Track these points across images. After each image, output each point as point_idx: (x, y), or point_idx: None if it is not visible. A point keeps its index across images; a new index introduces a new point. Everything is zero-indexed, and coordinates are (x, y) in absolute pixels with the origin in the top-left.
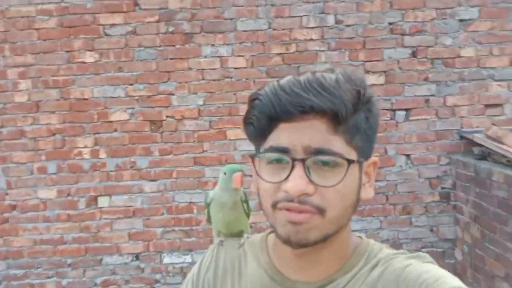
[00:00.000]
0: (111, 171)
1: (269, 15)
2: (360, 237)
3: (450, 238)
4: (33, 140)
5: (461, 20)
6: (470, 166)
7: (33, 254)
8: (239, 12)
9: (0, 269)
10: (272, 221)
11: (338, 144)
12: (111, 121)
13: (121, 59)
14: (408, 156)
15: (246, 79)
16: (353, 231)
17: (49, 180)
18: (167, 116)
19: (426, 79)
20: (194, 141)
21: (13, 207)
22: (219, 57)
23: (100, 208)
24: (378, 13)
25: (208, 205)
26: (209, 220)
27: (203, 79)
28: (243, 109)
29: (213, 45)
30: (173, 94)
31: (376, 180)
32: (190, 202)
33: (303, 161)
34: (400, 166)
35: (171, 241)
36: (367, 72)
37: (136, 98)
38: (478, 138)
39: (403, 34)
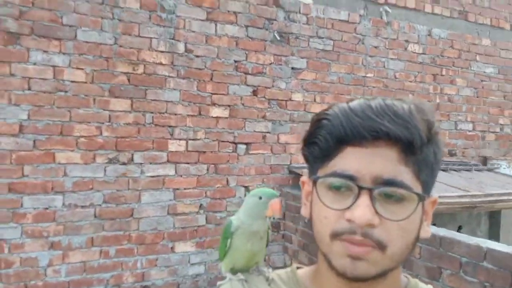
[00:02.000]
0: None
1: (116, 30)
2: (406, 276)
3: (279, 266)
4: None
5: (293, 68)
6: (298, 198)
7: None
8: (81, 20)
9: None
10: (326, 251)
11: (407, 176)
12: None
13: None
14: (246, 187)
15: (85, 95)
16: (193, 264)
17: None
18: None
19: (264, 117)
20: (11, 163)
21: None
22: (52, 66)
23: None
24: (225, 49)
25: (231, 235)
26: (224, 253)
27: (29, 89)
28: (78, 129)
29: (45, 51)
30: None
31: (218, 211)
32: (0, 239)
33: (370, 190)
34: (240, 197)
35: None
36: (214, 104)
37: None
38: (306, 173)
39: (246, 73)
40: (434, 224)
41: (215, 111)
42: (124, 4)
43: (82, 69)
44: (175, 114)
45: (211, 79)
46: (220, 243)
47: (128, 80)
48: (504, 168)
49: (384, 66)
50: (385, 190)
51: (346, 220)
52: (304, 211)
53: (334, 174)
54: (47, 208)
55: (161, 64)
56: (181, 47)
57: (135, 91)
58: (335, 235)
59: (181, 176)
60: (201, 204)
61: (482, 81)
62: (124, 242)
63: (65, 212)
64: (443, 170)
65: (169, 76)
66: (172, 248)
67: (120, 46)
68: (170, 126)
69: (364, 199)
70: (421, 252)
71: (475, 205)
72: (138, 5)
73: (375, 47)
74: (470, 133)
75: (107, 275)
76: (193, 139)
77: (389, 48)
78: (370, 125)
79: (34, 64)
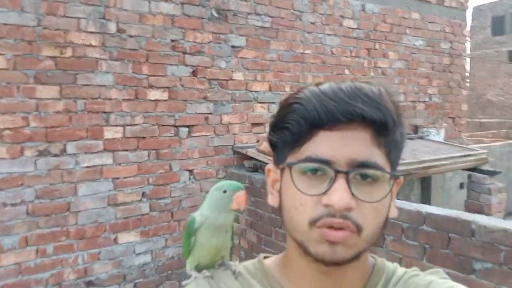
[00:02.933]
0: None
1: (38, 10)
2: (373, 256)
3: None
4: None
5: (232, 47)
6: (245, 178)
7: None
8: None
9: None
10: (303, 238)
11: (380, 158)
12: None
13: None
14: (191, 171)
15: (8, 83)
16: (139, 253)
17: None
18: None
19: (205, 98)
20: None
21: None
22: None
23: None
24: (160, 28)
25: (194, 231)
26: (187, 251)
27: None
28: (2, 120)
29: None
30: None
31: (162, 198)
32: None
33: (346, 173)
34: (184, 181)
35: None
36: (151, 87)
37: None
38: (251, 152)
39: (184, 53)
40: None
41: (153, 94)
42: None
43: (2, 54)
44: (110, 99)
45: (147, 60)
46: (183, 241)
47: (56, 64)
48: (434, 135)
49: (321, 42)
50: (360, 172)
51: (324, 206)
52: (272, 200)
53: (309, 159)
54: None
55: (91, 46)
56: (112, 27)
57: (64, 76)
58: (313, 222)
59: (120, 164)
60: (143, 192)
61: (412, 53)
62: (62, 238)
63: None
64: None
65: (100, 59)
66: (115, 239)
67: (45, 28)
68: (104, 112)
69: (341, 182)
70: None
71: (410, 172)
72: None
73: (312, 23)
74: (402, 104)
75: (45, 275)
76: (130, 125)
77: (325, 24)
78: (345, 108)
79: None
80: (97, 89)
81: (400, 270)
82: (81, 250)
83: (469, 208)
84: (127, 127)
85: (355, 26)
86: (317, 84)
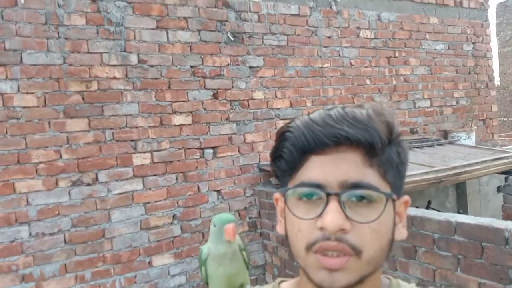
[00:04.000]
0: None
1: (63, 49)
2: (388, 277)
3: (260, 264)
4: None
5: (250, 67)
6: (271, 195)
7: None
8: (25, 43)
9: None
10: (303, 264)
11: (373, 177)
12: None
13: None
14: (219, 191)
15: (39, 119)
16: (174, 275)
17: None
18: None
19: (228, 119)
20: None
21: None
22: (0, 94)
23: None
24: (179, 55)
25: (204, 262)
26: (206, 281)
27: None
28: (36, 155)
29: None
30: None
31: (192, 219)
32: None
33: (338, 195)
34: (213, 202)
35: None
36: (175, 112)
37: None
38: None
39: (204, 77)
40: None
41: (177, 119)
42: (69, 21)
43: (32, 93)
44: (136, 127)
45: (169, 87)
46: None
47: (83, 98)
48: (464, 139)
49: (339, 55)
50: (352, 193)
51: (319, 229)
52: (280, 228)
53: (302, 184)
54: (13, 241)
55: (115, 78)
56: (134, 59)
57: (91, 109)
58: (309, 247)
59: (150, 189)
60: (174, 215)
61: (434, 58)
62: (99, 264)
63: (33, 242)
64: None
65: (125, 90)
66: (149, 262)
67: (70, 65)
68: (132, 140)
69: (333, 205)
70: None
71: (441, 179)
72: (84, 21)
73: (328, 37)
74: (428, 109)
75: None
76: (157, 150)
77: (342, 37)
78: (330, 131)
79: None
80: (124, 118)
81: None
82: (117, 275)
83: (506, 213)
84: (155, 153)
85: (372, 36)
86: (309, 113)
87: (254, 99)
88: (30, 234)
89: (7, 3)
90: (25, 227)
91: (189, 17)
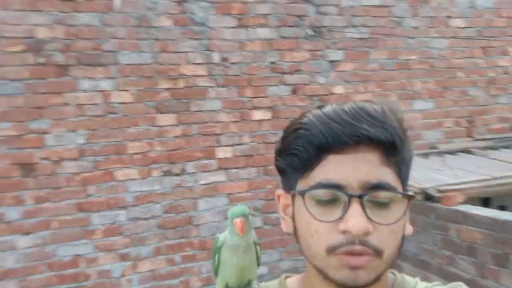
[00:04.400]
0: None
1: (154, 49)
2: (393, 273)
3: None
4: None
5: (330, 61)
6: None
7: None
8: (121, 45)
9: None
10: (321, 265)
11: (391, 177)
12: None
13: None
14: None
15: (134, 114)
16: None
17: None
18: (41, 158)
19: None
20: (76, 185)
21: None
22: (100, 91)
23: None
24: (259, 52)
25: (218, 249)
26: (216, 269)
27: (83, 115)
28: (131, 147)
29: (92, 78)
30: (47, 133)
31: (273, 212)
32: (76, 255)
33: (360, 197)
34: None
35: None
36: (255, 108)
37: (2, 138)
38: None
39: (283, 73)
40: (502, 207)
41: (257, 114)
42: (158, 23)
43: (127, 90)
44: (219, 122)
45: (250, 83)
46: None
47: (171, 95)
48: None
49: (427, 46)
50: (374, 194)
51: (341, 232)
52: (286, 226)
53: (321, 185)
54: (113, 223)
55: (199, 76)
56: (216, 57)
57: (179, 105)
58: (332, 250)
59: (233, 181)
60: (255, 207)
61: None
62: (187, 248)
63: (130, 225)
64: (506, 147)
65: (209, 86)
66: None
67: (160, 64)
68: (216, 134)
69: (356, 207)
70: (484, 238)
71: None
72: (171, 23)
73: (415, 28)
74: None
75: (175, 281)
76: (239, 144)
77: (430, 27)
78: (351, 130)
79: (84, 91)
80: (208, 114)
81: (421, 284)
82: (204, 260)
83: None
84: (236, 147)
85: (465, 25)
86: (319, 107)
87: (334, 93)
88: (127, 218)
89: (105, 9)
90: (123, 211)
91: (268, 14)
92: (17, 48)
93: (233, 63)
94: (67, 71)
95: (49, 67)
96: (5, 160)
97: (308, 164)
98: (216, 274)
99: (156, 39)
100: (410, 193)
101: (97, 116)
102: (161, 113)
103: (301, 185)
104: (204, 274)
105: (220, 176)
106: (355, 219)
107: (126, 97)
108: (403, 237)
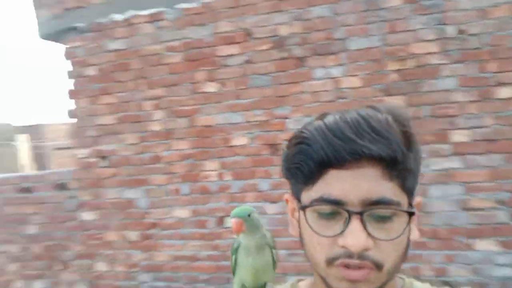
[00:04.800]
0: (236, 193)
1: (382, 31)
2: (401, 277)
3: None
4: (168, 164)
5: None
6: None
7: (173, 269)
8: (350, 31)
9: (147, 280)
10: (324, 275)
11: (393, 191)
12: (233, 146)
13: (239, 87)
14: None
15: (362, 98)
16: (499, 265)
17: (183, 200)
18: (283, 140)
19: None
20: None
21: (154, 225)
22: (331, 78)
23: (227, 228)
24: (506, 19)
25: (235, 250)
26: (233, 270)
27: (316, 101)
28: None
29: (324, 67)
30: (288, 118)
31: None
32: None
33: (360, 214)
34: None
35: (296, 264)
36: (500, 84)
37: (254, 123)
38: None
39: None
40: None
41: (503, 92)
42: (386, 4)
43: (356, 75)
44: (454, 103)
45: (493, 56)
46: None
47: (400, 76)
48: None
49: None
50: (375, 211)
51: (340, 247)
52: (293, 231)
53: (321, 200)
54: None
55: (431, 53)
56: (451, 30)
57: (408, 86)
58: (331, 262)
59: (471, 168)
60: (499, 199)
61: None
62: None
63: None
64: None
65: (442, 64)
66: (470, 245)
67: (388, 45)
68: (450, 116)
69: (355, 223)
70: None
71: None
72: (400, 1)
73: None
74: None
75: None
76: (478, 127)
77: None
78: (352, 147)
79: (318, 79)
80: (441, 94)
81: None
82: (434, 250)
83: None
84: (475, 130)
85: None
86: (322, 117)
87: None
88: None
89: (333, 0)
90: None
91: None
92: (265, 47)
93: (471, 35)
94: (304, 62)
95: (290, 60)
96: (258, 140)
97: (310, 177)
98: (234, 274)
99: (385, 21)
100: (412, 210)
101: (328, 101)
102: (390, 95)
103: (304, 196)
104: (435, 264)
105: (455, 163)
106: (355, 235)
107: (355, 82)
108: (408, 245)
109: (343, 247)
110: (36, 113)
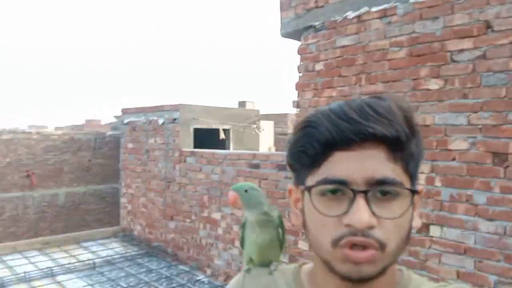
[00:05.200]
0: (445, 201)
1: None
2: (400, 269)
3: None
4: None
5: None
6: None
7: None
8: None
9: None
10: (328, 258)
11: (397, 172)
12: (449, 150)
13: (466, 85)
14: None
15: None
16: None
17: None
18: None
19: None
20: None
21: None
22: None
23: (431, 237)
24: None
25: (243, 225)
26: (242, 244)
27: None
28: None
29: None
30: None
31: None
32: None
33: (365, 193)
34: None
35: None
36: None
37: (479, 127)
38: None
39: None
40: None
41: None
42: None
43: None
44: None
45: None
46: None
47: None
48: None
49: None
50: (379, 190)
51: (345, 226)
52: (296, 220)
53: (326, 181)
54: None
55: None
56: None
57: None
58: (336, 242)
59: None
60: None
61: None
62: None
63: None
64: None
65: None
66: None
67: None
68: None
69: (360, 202)
70: None
71: None
72: None
73: None
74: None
75: None
76: None
77: None
78: (357, 128)
79: None
80: None
81: (428, 285)
82: None
83: None
84: None
85: None
86: (328, 104)
87: None
88: None
89: None
90: None
91: None
92: (505, 41)
93: None
94: None
95: None
96: (481, 146)
97: (315, 160)
98: (242, 247)
99: None
100: (416, 188)
101: None
102: None
103: (309, 181)
104: None
105: None
106: (359, 213)
107: None
108: (410, 231)
109: (347, 225)
110: (279, 104)
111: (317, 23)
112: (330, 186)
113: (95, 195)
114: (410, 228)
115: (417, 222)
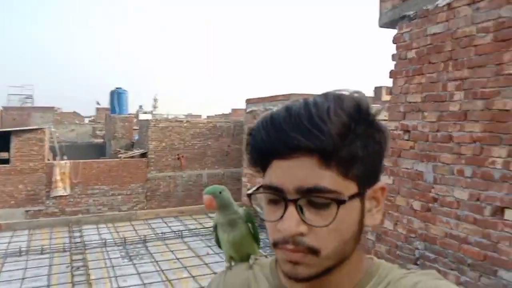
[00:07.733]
0: None
1: None
2: (371, 258)
3: None
4: (458, 145)
5: None
6: None
7: (443, 245)
8: None
9: (420, 248)
10: (275, 256)
11: (331, 180)
12: None
13: None
14: None
15: None
16: None
17: (464, 182)
18: None
19: None
20: None
21: (435, 200)
22: None
23: (505, 220)
24: None
25: (215, 228)
26: (218, 245)
27: None
28: None
29: None
30: None
31: None
32: None
33: (295, 201)
34: None
35: None
36: None
37: None
38: None
39: None
40: None
41: None
42: None
43: None
44: None
45: None
46: None
47: None
48: None
49: None
50: (308, 198)
51: (279, 231)
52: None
53: (265, 187)
54: None
55: None
56: None
57: None
58: (275, 245)
59: None
60: None
61: None
62: None
63: None
64: None
65: None
66: None
67: None
68: None
69: (291, 210)
70: None
71: None
72: None
73: None
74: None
75: None
76: None
77: None
78: (284, 140)
79: None
80: None
81: (396, 272)
82: None
83: None
84: None
85: None
86: (275, 109)
87: None
88: None
89: None
90: None
91: None
92: None
93: None
94: None
95: None
96: None
97: (260, 167)
98: (220, 248)
99: None
100: (342, 198)
101: None
102: None
103: (254, 188)
104: None
105: None
106: (287, 222)
107: None
108: (359, 229)
109: (279, 231)
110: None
111: (411, 12)
112: (268, 194)
113: (232, 176)
114: (360, 228)
115: (375, 220)
